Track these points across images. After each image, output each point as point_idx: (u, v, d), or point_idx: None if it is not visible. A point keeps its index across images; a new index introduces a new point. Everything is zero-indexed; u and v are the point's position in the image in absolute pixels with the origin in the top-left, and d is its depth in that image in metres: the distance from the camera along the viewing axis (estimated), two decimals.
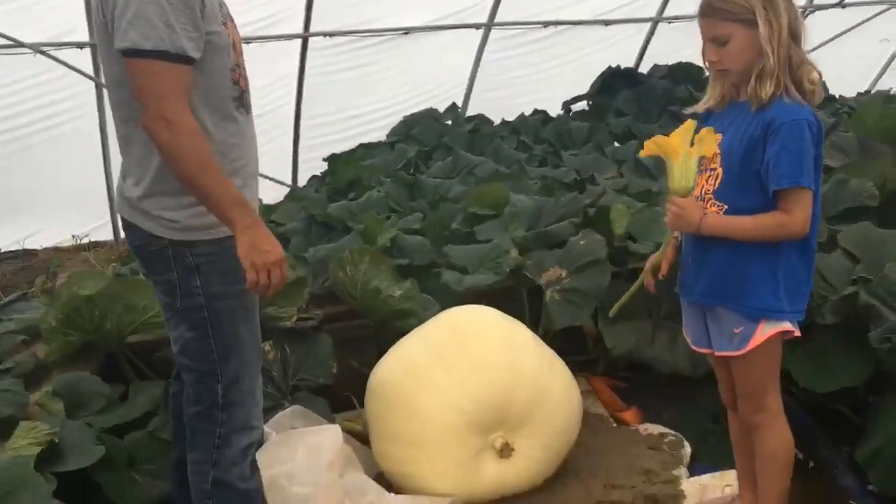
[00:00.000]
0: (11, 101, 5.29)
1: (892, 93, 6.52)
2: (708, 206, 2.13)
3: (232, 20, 2.13)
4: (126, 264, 4.14)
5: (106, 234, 5.91)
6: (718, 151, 2.09)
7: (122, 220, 2.12)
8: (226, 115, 2.02)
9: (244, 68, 2.12)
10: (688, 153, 2.08)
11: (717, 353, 2.24)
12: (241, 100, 2.07)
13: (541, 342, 2.74)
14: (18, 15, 4.93)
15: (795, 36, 2.02)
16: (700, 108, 2.21)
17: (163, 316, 2.19)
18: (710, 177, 2.13)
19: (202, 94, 1.97)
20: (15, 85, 5.25)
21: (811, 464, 2.74)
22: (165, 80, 1.86)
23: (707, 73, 2.26)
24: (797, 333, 2.15)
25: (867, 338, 2.59)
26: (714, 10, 2.04)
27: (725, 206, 2.11)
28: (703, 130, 2.10)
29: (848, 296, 2.73)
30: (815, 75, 2.03)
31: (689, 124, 2.10)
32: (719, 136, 2.09)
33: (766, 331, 2.09)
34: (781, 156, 1.98)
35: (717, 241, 2.11)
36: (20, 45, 5.00)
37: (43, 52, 5.08)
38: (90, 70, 5.24)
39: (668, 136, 2.11)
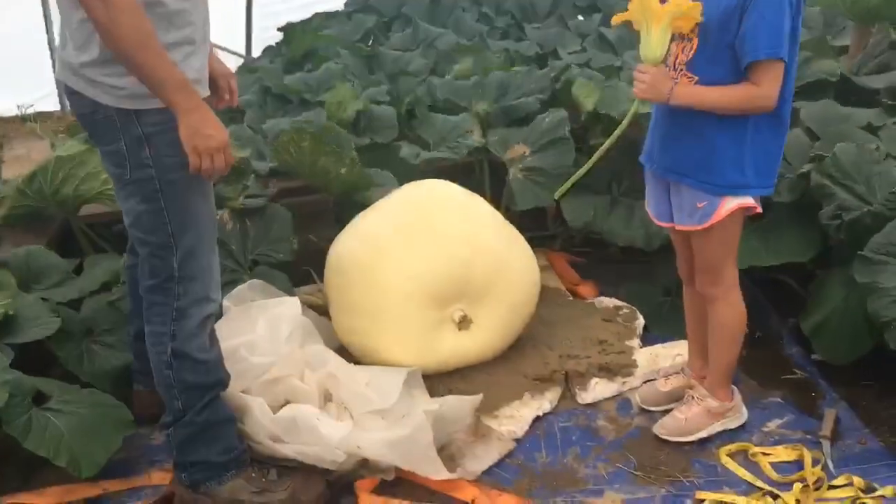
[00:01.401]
0: None
1: None
2: (679, 76, 2.10)
3: None
4: (74, 135, 4.00)
5: (52, 105, 5.68)
6: (698, 20, 2.04)
7: (66, 87, 2.01)
8: None
9: None
10: (650, 26, 2.02)
11: (678, 227, 2.26)
12: None
13: (500, 217, 2.74)
14: None
15: None
16: None
17: (114, 187, 2.13)
18: (685, 47, 2.08)
19: None
20: None
21: (758, 334, 2.84)
22: None
23: None
24: (759, 209, 2.18)
25: (816, 216, 2.65)
26: None
27: (696, 78, 2.07)
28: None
29: (802, 174, 2.76)
30: None
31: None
32: (699, 5, 2.02)
33: (729, 206, 2.11)
34: (759, 27, 1.94)
35: (687, 113, 2.09)
36: None
37: None
38: None
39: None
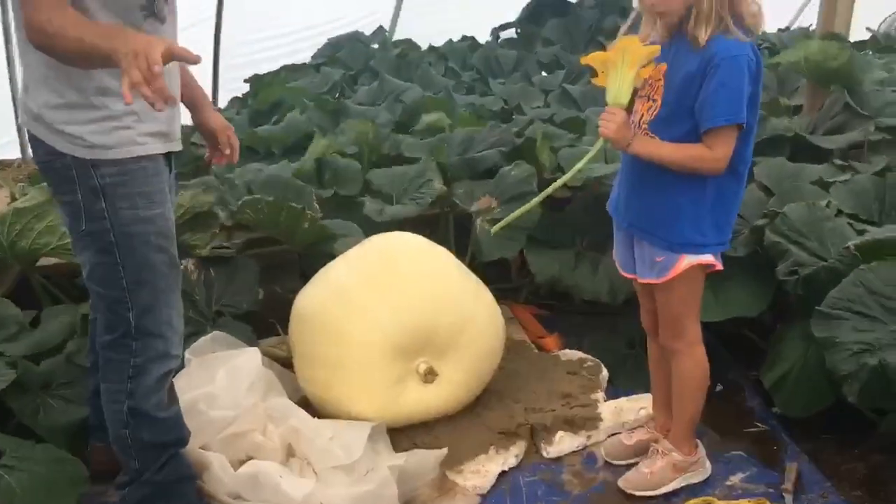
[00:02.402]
0: None
1: (811, 29, 6.65)
2: (641, 134, 2.15)
3: None
4: (35, 184, 3.95)
5: (13, 152, 5.62)
6: (662, 82, 2.10)
7: (28, 133, 2.00)
8: (131, 24, 1.89)
9: None
10: (625, 69, 2.08)
11: (640, 280, 2.30)
12: (151, 8, 1.92)
13: (466, 269, 2.76)
14: None
15: None
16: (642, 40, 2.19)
17: (71, 238, 2.10)
18: (650, 107, 2.14)
19: (102, 0, 1.85)
20: None
21: (719, 387, 2.87)
22: None
23: (635, 6, 2.24)
24: (719, 267, 2.22)
25: (769, 270, 2.71)
26: None
27: (657, 138, 2.13)
28: (626, 38, 2.09)
29: (756, 229, 2.83)
30: (754, 8, 2.03)
31: (626, 40, 2.09)
32: (664, 66, 2.09)
33: (687, 262, 2.15)
34: (718, 94, 1.99)
35: (650, 169, 2.13)
36: None
37: None
38: None
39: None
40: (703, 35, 1.98)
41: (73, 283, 3.10)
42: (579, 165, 2.19)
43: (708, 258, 2.17)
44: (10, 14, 4.84)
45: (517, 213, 2.38)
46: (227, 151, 2.29)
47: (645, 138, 2.12)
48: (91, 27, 1.74)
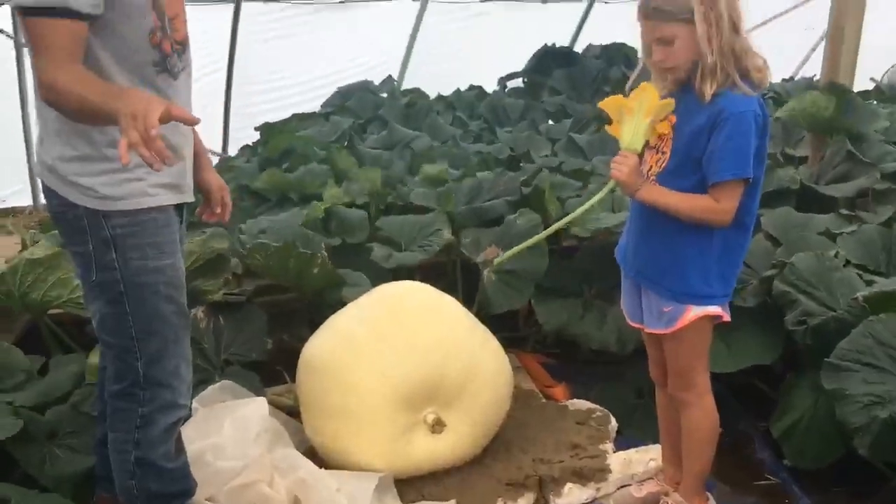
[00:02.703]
0: None
1: (815, 80, 6.72)
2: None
3: None
4: (46, 232, 3.99)
5: (25, 200, 5.68)
6: (671, 135, 2.12)
7: (42, 185, 2.04)
8: (144, 80, 1.93)
9: (177, 29, 2.03)
10: (641, 116, 2.10)
11: (647, 330, 2.30)
12: (164, 64, 1.97)
13: (473, 318, 2.76)
14: None
15: (736, 26, 2.03)
16: None
17: (82, 288, 2.12)
18: (658, 159, 2.16)
19: (116, 56, 1.88)
20: None
21: (728, 438, 2.84)
22: (48, 38, 1.77)
23: (640, 56, 2.28)
24: (726, 318, 2.21)
25: (778, 320, 2.71)
26: (656, 11, 2.04)
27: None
28: (645, 84, 2.12)
29: (765, 279, 2.84)
30: (759, 62, 2.06)
31: (645, 87, 2.12)
32: (673, 119, 2.12)
33: (694, 313, 2.15)
34: (726, 148, 2.01)
35: (658, 218, 2.15)
36: None
37: None
38: (9, 28, 5.00)
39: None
40: (709, 90, 2.01)
41: (81, 330, 3.12)
42: (588, 205, 2.22)
43: (715, 309, 2.17)
44: (26, 66, 4.95)
45: (521, 246, 2.40)
46: (219, 210, 2.32)
47: (653, 185, 2.14)
48: (96, 86, 1.78)
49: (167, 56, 1.98)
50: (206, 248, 3.15)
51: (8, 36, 5.05)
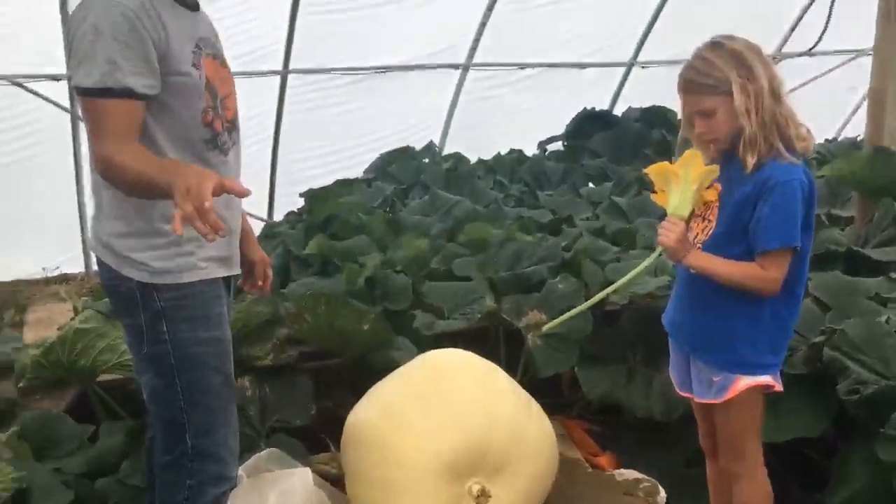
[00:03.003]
0: None
1: (858, 140, 6.67)
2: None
3: (220, 60, 2.13)
4: (98, 299, 4.09)
5: (77, 267, 5.83)
6: (717, 202, 2.13)
7: (96, 258, 2.10)
8: (197, 157, 2.01)
9: (228, 108, 2.10)
10: (688, 182, 2.11)
11: (696, 399, 2.26)
12: (215, 142, 2.05)
13: (517, 386, 2.74)
14: None
15: (776, 95, 2.05)
16: None
17: (133, 360, 2.17)
18: (705, 227, 2.16)
19: (170, 134, 1.96)
20: None
21: None
22: (107, 118, 1.86)
23: (680, 117, 2.29)
24: (778, 388, 2.17)
25: (829, 388, 2.64)
26: (694, 84, 2.07)
27: None
28: (690, 151, 2.13)
29: (815, 346, 2.78)
30: (803, 130, 2.07)
31: (690, 154, 2.13)
32: (718, 187, 2.12)
33: (744, 383, 2.12)
34: (772, 217, 2.01)
35: (706, 285, 2.14)
36: None
37: (19, 84, 5.05)
38: (66, 102, 5.21)
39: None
40: (751, 161, 2.02)
41: (130, 397, 3.16)
42: (636, 271, 2.21)
43: (766, 379, 2.13)
44: (81, 138, 5.15)
45: (567, 315, 2.39)
46: (260, 283, 2.36)
47: (700, 252, 2.13)
48: (150, 162, 1.85)
49: (218, 134, 2.05)
50: (251, 313, 3.20)
51: (64, 109, 5.25)
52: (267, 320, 3.18)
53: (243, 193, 1.80)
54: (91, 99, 1.86)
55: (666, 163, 2.17)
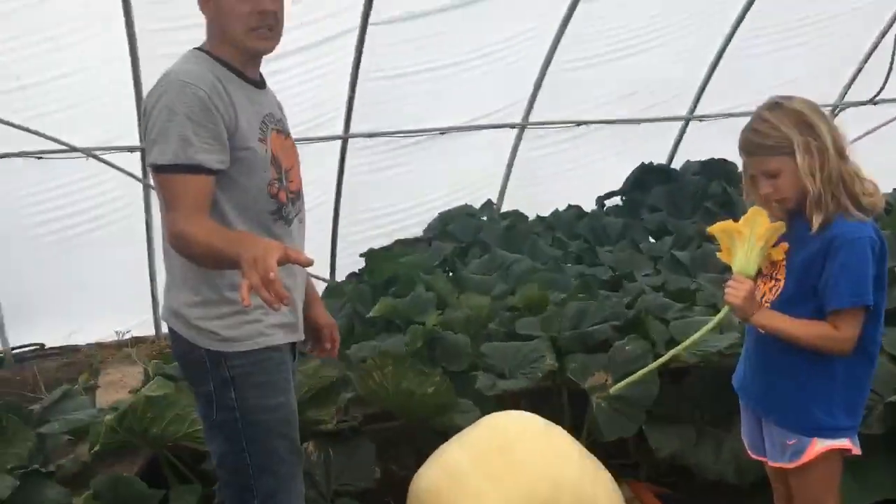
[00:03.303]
0: (63, 202, 5.47)
1: None
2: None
3: (284, 133, 2.21)
4: (168, 362, 4.19)
5: (148, 330, 6.00)
6: (784, 261, 2.10)
7: (168, 328, 2.17)
8: (263, 227, 2.08)
9: (292, 180, 2.17)
10: (753, 240, 2.09)
11: (770, 463, 2.20)
12: (280, 213, 2.12)
13: (583, 449, 2.71)
14: (72, 121, 5.16)
15: (841, 152, 2.03)
16: None
17: (202, 428, 2.21)
18: (772, 286, 2.13)
19: (237, 206, 2.04)
20: (67, 187, 5.44)
21: None
22: (180, 192, 1.94)
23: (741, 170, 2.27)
24: (856, 451, 2.10)
25: None
26: (756, 146, 2.06)
27: None
28: (754, 209, 2.11)
29: (891, 404, 2.68)
30: (869, 185, 2.04)
31: (755, 211, 2.11)
32: (786, 246, 2.10)
33: (820, 446, 2.06)
34: (842, 275, 1.97)
35: (776, 347, 2.09)
36: (73, 149, 5.21)
37: (95, 156, 5.29)
38: (139, 172, 5.43)
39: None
40: (818, 220, 1.99)
41: (199, 461, 3.21)
42: (703, 331, 2.19)
43: (842, 442, 2.07)
44: (153, 207, 5.34)
45: (634, 377, 2.37)
46: (328, 346, 2.39)
47: (769, 311, 2.10)
48: (220, 234, 1.92)
49: (283, 205, 2.12)
50: (318, 377, 3.24)
51: (137, 179, 5.47)
52: (332, 383, 3.22)
53: (307, 263, 1.86)
54: (165, 175, 1.95)
55: (730, 221, 2.15)
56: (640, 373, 2.34)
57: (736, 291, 2.08)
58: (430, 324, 3.88)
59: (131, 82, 5.00)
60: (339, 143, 6.07)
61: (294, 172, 2.20)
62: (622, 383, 2.39)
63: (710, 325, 2.19)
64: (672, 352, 2.28)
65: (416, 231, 6.57)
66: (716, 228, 2.18)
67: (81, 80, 5.04)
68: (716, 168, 6.56)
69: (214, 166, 1.97)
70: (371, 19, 5.38)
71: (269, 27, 2.07)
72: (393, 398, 3.13)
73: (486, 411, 2.96)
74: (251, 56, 2.11)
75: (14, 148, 5.13)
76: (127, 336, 5.87)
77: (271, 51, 2.12)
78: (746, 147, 2.08)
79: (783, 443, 2.11)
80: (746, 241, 2.10)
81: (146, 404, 2.92)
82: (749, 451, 2.30)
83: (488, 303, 3.94)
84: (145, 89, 4.73)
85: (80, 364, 5.52)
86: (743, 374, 2.26)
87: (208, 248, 1.90)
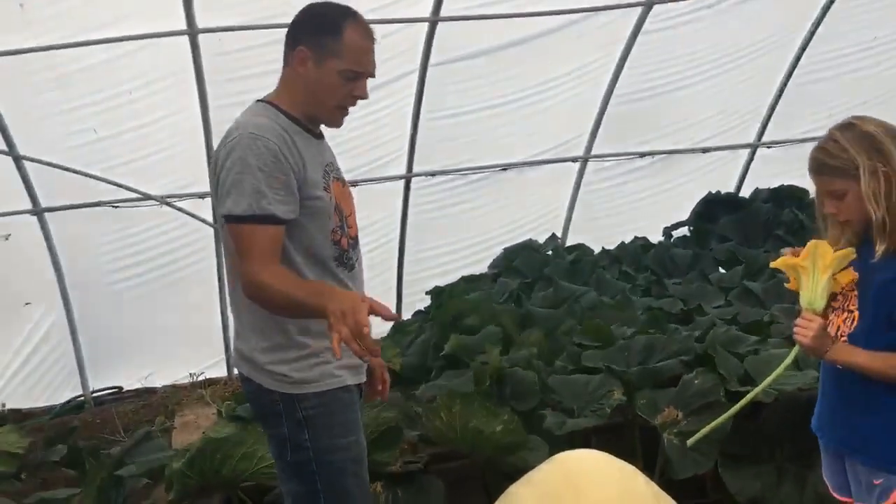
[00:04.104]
0: (136, 249, 5.68)
1: None
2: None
3: (342, 181, 2.27)
4: (240, 402, 4.26)
5: (220, 371, 6.12)
6: (855, 292, 2.03)
7: (239, 373, 2.22)
8: (326, 272, 2.12)
9: (351, 226, 2.22)
10: (818, 273, 2.02)
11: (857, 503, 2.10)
12: (342, 259, 2.17)
13: (657, 489, 2.62)
14: (145, 170, 5.36)
15: None
16: None
17: (276, 469, 2.24)
18: (846, 318, 2.06)
19: (304, 252, 2.08)
20: (141, 234, 5.64)
21: None
22: (253, 242, 1.99)
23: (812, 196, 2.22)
24: None
25: None
26: (823, 166, 2.03)
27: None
28: (814, 242, 2.05)
29: None
30: None
31: (814, 244, 2.04)
32: (856, 276, 2.03)
33: None
34: None
35: (855, 382, 2.02)
36: (148, 197, 5.40)
37: (168, 203, 5.47)
38: (210, 217, 5.59)
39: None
40: (881, 247, 1.94)
41: (272, 500, 3.24)
42: (776, 374, 2.11)
43: None
44: (224, 258, 5.48)
45: (713, 424, 2.29)
46: (380, 387, 2.40)
47: (844, 346, 2.02)
48: (298, 284, 1.97)
49: (345, 251, 2.17)
50: (379, 419, 3.25)
51: (208, 224, 5.63)
52: (392, 426, 3.21)
53: (390, 317, 1.89)
54: (239, 225, 2.00)
55: (790, 256, 2.08)
56: (719, 420, 2.26)
57: (805, 330, 2.01)
58: (495, 361, 3.84)
59: (201, 131, 5.17)
60: (402, 182, 6.14)
61: (353, 219, 2.25)
62: (700, 433, 2.31)
63: (781, 368, 2.11)
64: (748, 396, 2.19)
65: (481, 268, 6.56)
66: (778, 263, 2.11)
67: (154, 131, 5.24)
68: (786, 194, 6.39)
69: (286, 216, 2.02)
70: (431, 60, 5.46)
71: (351, 107, 2.14)
72: (461, 437, 3.11)
73: (555, 449, 2.91)
74: (321, 124, 2.19)
75: (92, 198, 5.35)
76: (200, 377, 6.00)
77: (339, 127, 2.19)
78: (814, 166, 2.04)
79: (870, 482, 2.01)
80: (811, 275, 2.03)
81: (215, 446, 2.97)
82: (834, 493, 2.20)
83: (551, 339, 3.89)
84: (215, 137, 4.90)
85: (156, 406, 5.66)
86: (821, 413, 2.17)
87: (287, 299, 1.95)
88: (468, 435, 3.08)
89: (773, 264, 2.14)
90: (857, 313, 2.02)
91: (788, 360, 2.10)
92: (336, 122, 2.18)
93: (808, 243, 2.07)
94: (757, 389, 2.18)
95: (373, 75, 2.16)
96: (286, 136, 2.05)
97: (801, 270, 2.05)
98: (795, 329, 2.04)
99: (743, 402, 2.20)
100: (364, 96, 2.14)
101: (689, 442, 2.38)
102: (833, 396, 2.11)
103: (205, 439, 3.08)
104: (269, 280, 1.95)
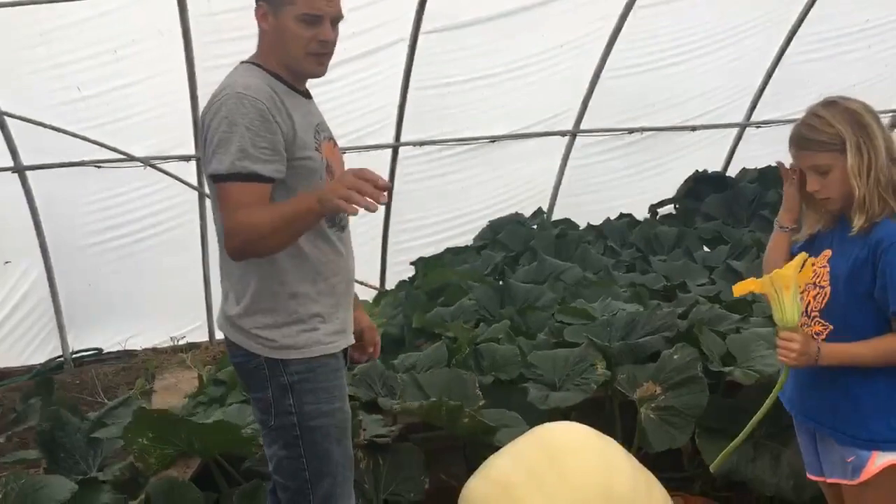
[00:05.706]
0: (119, 210, 5.62)
1: None
2: (812, 324, 2.07)
3: (333, 142, 2.24)
4: (222, 367, 4.26)
5: (202, 336, 6.10)
6: (828, 268, 2.04)
7: (225, 337, 2.20)
8: (319, 234, 2.10)
9: None
10: (782, 295, 2.01)
11: (828, 480, 2.13)
12: (334, 220, 2.15)
13: (636, 462, 2.65)
14: (129, 131, 5.29)
15: (893, 157, 1.98)
16: (803, 235, 2.16)
17: (260, 433, 2.24)
18: (817, 294, 2.07)
19: None
20: (124, 196, 5.58)
21: None
22: (237, 197, 1.97)
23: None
24: None
25: None
26: (807, 140, 2.02)
27: (831, 327, 2.04)
28: (799, 257, 2.04)
29: None
30: None
31: (772, 276, 2.03)
32: (828, 252, 2.04)
33: (880, 461, 1.98)
34: (894, 277, 1.92)
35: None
36: (131, 158, 5.34)
37: (152, 165, 5.41)
38: (195, 181, 5.54)
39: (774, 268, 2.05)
40: (859, 222, 1.95)
41: (243, 467, 3.25)
42: (768, 404, 2.10)
43: None
44: (207, 215, 5.43)
45: (734, 444, 2.27)
46: (371, 350, 2.40)
47: (831, 347, 2.01)
48: (275, 206, 1.96)
49: None
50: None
51: (192, 187, 5.58)
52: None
53: (384, 186, 1.88)
54: (222, 184, 1.98)
55: (749, 282, 2.03)
56: (738, 440, 2.26)
57: (787, 352, 2.00)
58: (475, 333, 3.85)
59: (187, 92, 5.10)
60: (389, 151, 6.10)
61: None
62: (723, 454, 2.31)
63: (774, 392, 2.10)
64: (762, 409, 2.17)
65: (467, 239, 6.56)
66: (738, 290, 2.08)
67: (139, 91, 5.16)
68: (773, 175, 6.40)
69: (271, 175, 2.00)
70: (422, 28, 5.41)
71: (325, 53, 2.10)
72: (435, 420, 3.11)
73: (534, 423, 2.92)
74: (302, 76, 2.15)
75: (75, 157, 5.28)
76: (182, 341, 5.98)
77: (322, 76, 2.16)
78: (797, 141, 2.03)
79: (842, 459, 2.03)
80: (775, 298, 2.01)
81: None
82: (808, 474, 2.22)
83: (535, 312, 3.89)
84: (201, 100, 4.84)
85: (137, 369, 5.64)
86: (792, 390, 2.18)
87: (274, 221, 1.94)
88: (442, 420, 3.07)
89: (735, 291, 2.11)
90: (828, 289, 2.03)
91: (779, 385, 2.08)
92: (313, 70, 2.13)
93: (770, 274, 2.01)
94: (757, 416, 2.17)
95: (338, 16, 2.09)
96: (275, 97, 2.02)
97: (765, 296, 2.04)
98: (778, 351, 2.03)
99: (760, 412, 2.16)
100: (329, 38, 2.08)
101: (713, 466, 2.40)
102: (803, 374, 2.10)
103: (183, 407, 3.05)
104: (245, 218, 1.94)
